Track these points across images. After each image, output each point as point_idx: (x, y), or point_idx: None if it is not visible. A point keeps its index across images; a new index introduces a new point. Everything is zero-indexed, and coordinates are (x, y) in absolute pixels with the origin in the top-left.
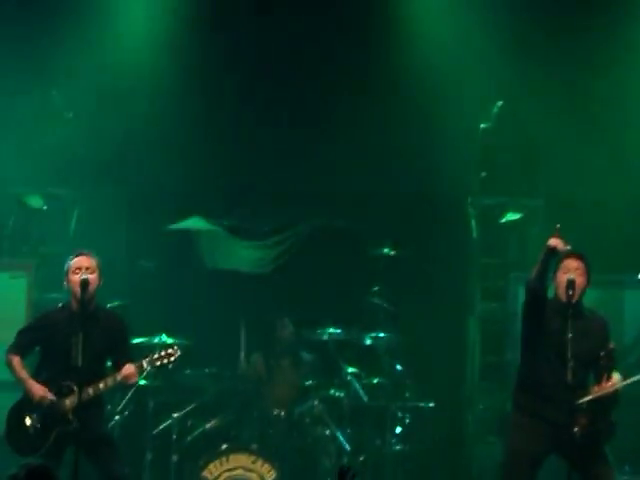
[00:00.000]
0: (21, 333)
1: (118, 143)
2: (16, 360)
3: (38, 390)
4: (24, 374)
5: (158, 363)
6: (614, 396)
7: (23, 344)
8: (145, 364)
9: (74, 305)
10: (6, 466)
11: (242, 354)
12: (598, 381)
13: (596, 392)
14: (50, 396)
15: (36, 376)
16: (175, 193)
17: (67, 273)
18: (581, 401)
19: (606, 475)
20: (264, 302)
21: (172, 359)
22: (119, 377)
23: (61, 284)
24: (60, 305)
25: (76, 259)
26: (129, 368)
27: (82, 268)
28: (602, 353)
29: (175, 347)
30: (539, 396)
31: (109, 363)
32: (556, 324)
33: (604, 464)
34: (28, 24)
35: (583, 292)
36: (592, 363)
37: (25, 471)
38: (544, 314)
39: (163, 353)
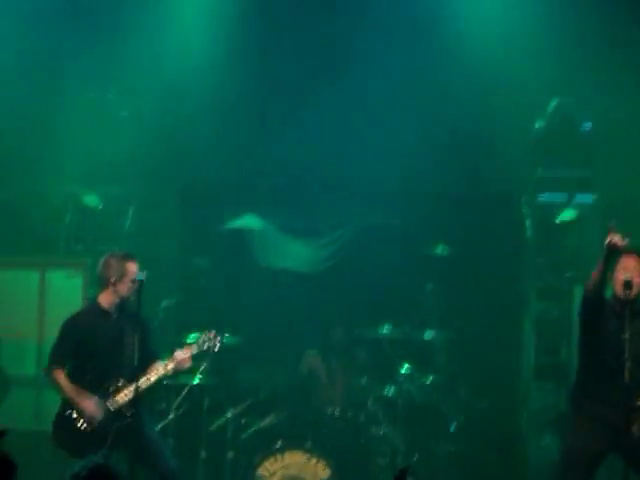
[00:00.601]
0: (57, 347)
1: (171, 141)
2: (60, 376)
3: (89, 406)
4: (71, 390)
5: (196, 350)
6: None
7: (65, 355)
8: (186, 352)
9: (109, 304)
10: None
11: (295, 353)
12: None
13: None
14: (100, 412)
15: (79, 379)
16: (228, 191)
17: (124, 276)
18: (639, 402)
19: None
20: (317, 301)
21: (217, 342)
22: (172, 364)
23: (104, 287)
24: (86, 307)
25: (133, 265)
26: (180, 354)
27: (137, 272)
28: None
29: (215, 333)
30: (596, 398)
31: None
32: (613, 324)
33: None
34: (86, 24)
35: None
36: None
37: (87, 470)
38: (601, 316)
39: (202, 340)
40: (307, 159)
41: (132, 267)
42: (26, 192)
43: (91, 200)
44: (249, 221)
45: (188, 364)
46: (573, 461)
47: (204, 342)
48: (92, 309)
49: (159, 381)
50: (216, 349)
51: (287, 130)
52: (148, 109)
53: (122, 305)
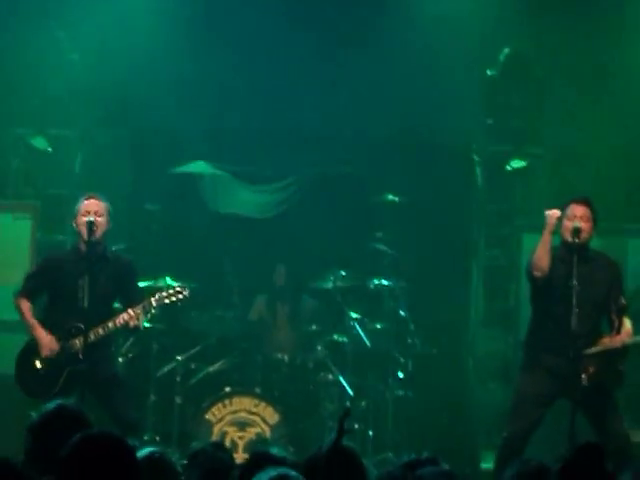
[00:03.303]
0: (29, 278)
1: (123, 85)
2: (25, 305)
3: (45, 339)
4: (33, 321)
5: (167, 301)
6: (622, 349)
7: (32, 288)
8: (154, 302)
9: (82, 247)
10: (16, 407)
11: (242, 298)
12: (610, 328)
13: (604, 344)
14: (55, 344)
15: (44, 317)
16: (180, 136)
17: (76, 215)
18: (588, 352)
19: (614, 421)
20: (266, 247)
21: (180, 297)
22: (120, 320)
23: (67, 224)
24: (68, 247)
25: (86, 202)
26: (129, 312)
27: (91, 212)
28: (612, 306)
29: (184, 286)
30: (546, 346)
31: (117, 304)
32: (561, 272)
33: (612, 411)
34: None
35: (589, 237)
36: (603, 307)
37: (57, 408)
38: (548, 276)
39: (172, 291)
40: (259, 106)
41: (82, 205)
42: None
43: (40, 143)
44: (199, 166)
45: (134, 323)
46: (522, 401)
47: (167, 296)
48: (70, 250)
49: (114, 332)
50: (179, 304)
51: (239, 77)
52: (99, 52)
53: (101, 251)
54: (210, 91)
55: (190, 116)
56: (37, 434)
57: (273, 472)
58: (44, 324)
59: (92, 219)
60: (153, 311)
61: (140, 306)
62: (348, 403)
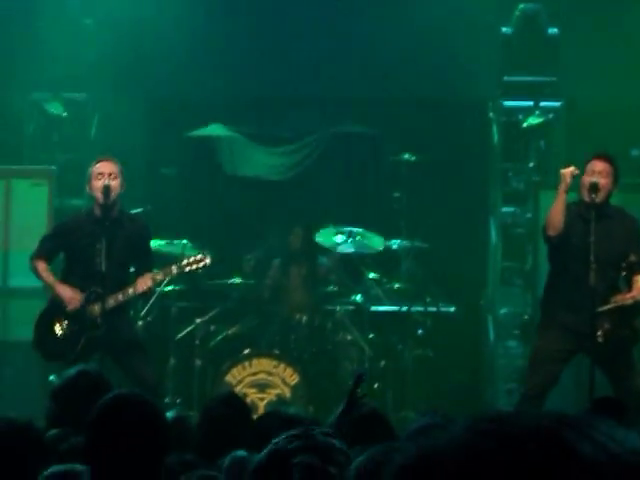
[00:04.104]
0: (44, 240)
1: (137, 50)
2: (42, 265)
3: (67, 292)
4: (51, 278)
5: (188, 269)
6: (634, 305)
7: (47, 250)
8: (175, 269)
9: (97, 211)
10: (36, 373)
11: (261, 260)
12: (627, 284)
13: (616, 302)
14: (80, 297)
15: (63, 281)
16: (195, 99)
17: (90, 179)
18: (601, 309)
19: (633, 377)
20: (283, 209)
21: (202, 265)
22: (142, 287)
23: (84, 190)
24: (83, 211)
25: (99, 164)
26: (150, 279)
27: (105, 174)
28: (623, 264)
29: (205, 254)
30: (563, 303)
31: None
32: (579, 229)
33: (630, 367)
34: None
35: (609, 194)
36: (621, 264)
37: (80, 373)
38: (567, 221)
39: (193, 259)
40: (275, 69)
41: (95, 168)
42: None
43: (55, 108)
44: (216, 129)
45: (148, 290)
46: (539, 361)
47: (187, 264)
48: (85, 213)
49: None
50: (200, 271)
51: (255, 40)
52: (113, 17)
53: (117, 212)
54: (226, 54)
55: (205, 79)
56: (59, 399)
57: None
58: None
59: (108, 183)
60: (173, 278)
61: (161, 272)
62: (367, 364)
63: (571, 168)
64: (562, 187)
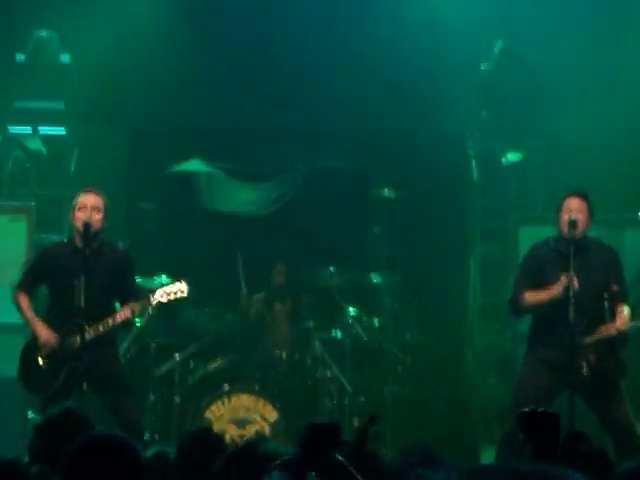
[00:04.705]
0: (26, 272)
1: (116, 83)
2: (24, 301)
3: (43, 333)
4: (30, 314)
5: (165, 299)
6: (621, 336)
7: (29, 282)
8: (153, 299)
9: (78, 241)
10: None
11: (241, 296)
12: (610, 317)
13: (601, 332)
14: (54, 338)
15: (47, 313)
16: (175, 135)
17: (73, 209)
18: (585, 341)
19: (618, 411)
20: (263, 245)
21: (180, 294)
22: (120, 317)
23: (63, 225)
24: (65, 240)
25: (83, 196)
26: (128, 309)
27: (87, 207)
28: (605, 295)
29: (183, 284)
30: (545, 338)
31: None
32: (558, 265)
33: (616, 400)
34: None
35: (586, 229)
36: (603, 294)
37: (62, 412)
38: (545, 259)
39: (170, 289)
40: (255, 103)
41: (80, 199)
42: None
43: (34, 143)
44: (195, 164)
45: (130, 317)
46: (523, 399)
47: (169, 293)
48: (66, 243)
49: (113, 329)
50: (180, 299)
51: (233, 75)
52: (91, 52)
53: (97, 243)
54: (204, 89)
55: (184, 115)
56: (43, 435)
57: None
58: (46, 320)
59: (88, 219)
60: (151, 309)
61: (139, 303)
62: (347, 400)
63: (572, 276)
64: (558, 289)
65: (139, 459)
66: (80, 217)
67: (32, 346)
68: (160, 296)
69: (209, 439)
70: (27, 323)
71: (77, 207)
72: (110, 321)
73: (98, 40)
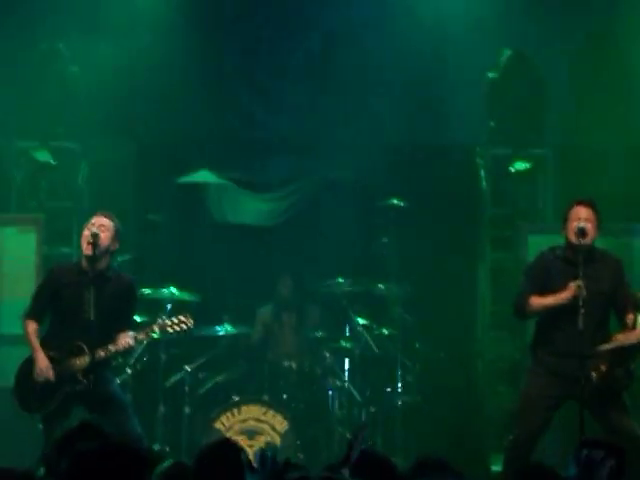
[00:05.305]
0: (35, 298)
1: (126, 95)
2: (31, 327)
3: (41, 363)
4: (35, 344)
5: (170, 330)
6: (636, 346)
7: (38, 309)
8: (157, 329)
9: (84, 263)
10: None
11: (251, 308)
12: (621, 325)
13: (619, 340)
14: (50, 374)
15: (49, 331)
16: (183, 146)
17: (83, 229)
18: (602, 348)
19: (624, 421)
20: (271, 256)
21: (184, 327)
22: (123, 344)
23: (72, 237)
24: (73, 261)
25: (95, 218)
26: (132, 337)
27: (96, 225)
28: (626, 302)
29: (189, 316)
30: (552, 348)
31: None
32: (567, 275)
33: (621, 411)
34: None
35: (594, 238)
36: (609, 307)
37: (82, 427)
38: (552, 269)
39: (176, 320)
40: (262, 114)
41: (91, 220)
42: None
43: (43, 156)
44: (204, 175)
45: (128, 347)
46: (529, 409)
47: (170, 325)
48: (73, 265)
49: (116, 355)
50: (183, 334)
51: (241, 85)
52: (99, 64)
53: (104, 269)
54: (213, 100)
55: (193, 126)
56: (61, 449)
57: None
58: (49, 339)
59: (96, 232)
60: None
61: (143, 332)
62: (356, 410)
63: (582, 283)
64: (567, 295)
65: (147, 466)
66: (87, 234)
67: (31, 363)
68: (164, 327)
69: (229, 450)
70: (30, 349)
71: (87, 226)
72: (112, 347)
73: (106, 52)
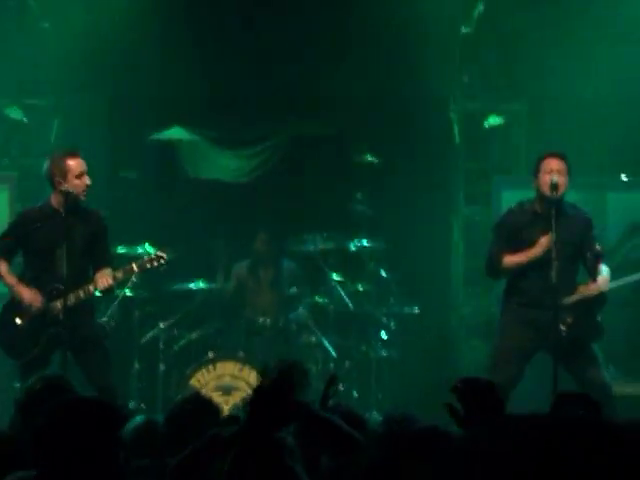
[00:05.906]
0: (3, 238)
1: (96, 52)
2: (3, 267)
3: (27, 294)
4: (12, 279)
5: (148, 265)
6: (600, 297)
7: (6, 248)
8: (135, 267)
9: (57, 204)
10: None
11: (223, 264)
12: (591, 277)
13: (581, 292)
14: (40, 300)
15: (22, 277)
16: (156, 101)
17: (67, 173)
18: (565, 301)
19: (595, 373)
20: (246, 212)
21: (162, 261)
22: (103, 283)
23: (45, 194)
24: (39, 204)
25: (72, 160)
26: (104, 278)
27: (84, 173)
28: (588, 254)
29: (164, 250)
30: (525, 300)
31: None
32: (537, 229)
33: (592, 363)
34: None
35: (565, 191)
36: (578, 259)
37: (42, 383)
38: (524, 222)
39: (153, 256)
40: (236, 69)
41: (73, 163)
42: None
43: (15, 113)
44: (177, 132)
45: (107, 285)
46: (502, 360)
47: (148, 261)
48: (42, 207)
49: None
50: (161, 268)
51: (215, 39)
52: (71, 19)
53: (74, 207)
54: (186, 56)
55: (166, 82)
56: (23, 409)
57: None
58: (25, 285)
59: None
60: (134, 277)
61: (122, 271)
62: (331, 365)
63: (553, 237)
64: (538, 251)
65: (115, 422)
66: (80, 185)
67: (10, 309)
68: (142, 265)
69: (200, 404)
70: (9, 288)
71: (74, 173)
72: (91, 287)
73: (78, 7)
